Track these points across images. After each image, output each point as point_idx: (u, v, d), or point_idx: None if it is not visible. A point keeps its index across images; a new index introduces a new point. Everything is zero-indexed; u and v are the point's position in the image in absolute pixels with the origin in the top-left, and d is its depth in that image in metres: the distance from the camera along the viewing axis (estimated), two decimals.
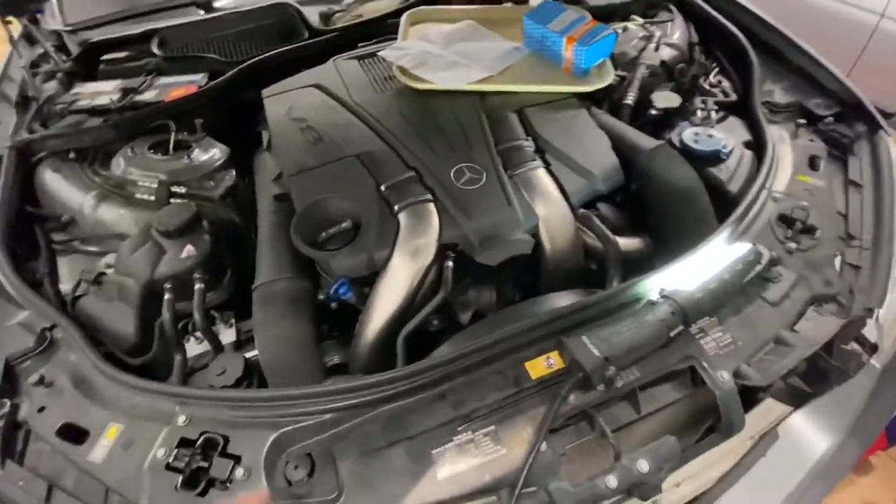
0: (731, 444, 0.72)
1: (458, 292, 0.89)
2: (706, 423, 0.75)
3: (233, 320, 0.89)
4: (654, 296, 0.75)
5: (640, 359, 0.68)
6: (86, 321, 0.83)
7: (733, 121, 1.10)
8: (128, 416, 0.68)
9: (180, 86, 1.20)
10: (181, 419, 0.66)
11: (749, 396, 0.75)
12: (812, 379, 0.80)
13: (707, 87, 1.17)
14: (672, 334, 0.69)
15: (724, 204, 0.93)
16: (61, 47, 1.33)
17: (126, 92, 1.17)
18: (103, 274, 0.85)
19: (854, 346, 0.78)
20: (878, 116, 1.01)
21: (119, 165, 0.98)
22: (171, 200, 0.93)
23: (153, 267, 0.82)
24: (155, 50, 1.28)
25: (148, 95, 1.17)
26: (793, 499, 0.84)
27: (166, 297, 0.80)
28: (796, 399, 0.83)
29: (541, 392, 0.67)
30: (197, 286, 0.81)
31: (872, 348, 0.78)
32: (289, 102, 1.08)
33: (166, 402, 0.68)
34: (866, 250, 0.85)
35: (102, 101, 1.14)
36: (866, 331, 0.78)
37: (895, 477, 1.53)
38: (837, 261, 0.84)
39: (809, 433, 0.84)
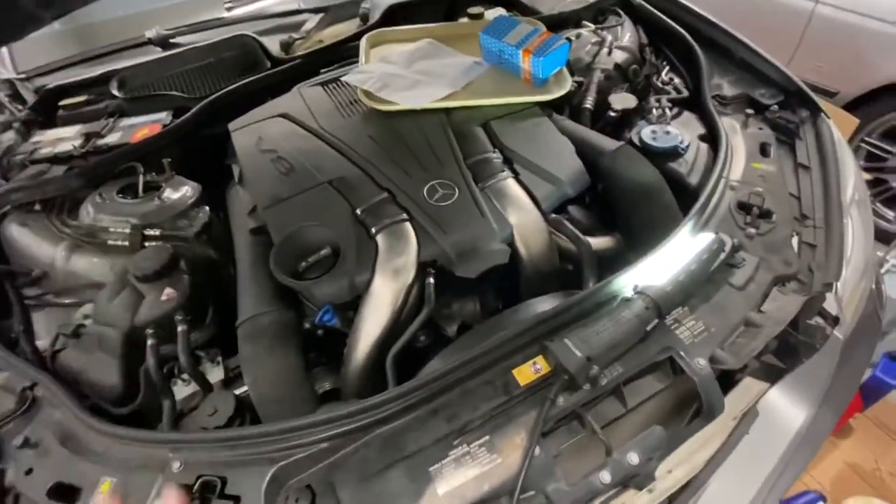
0: (715, 427, 0.75)
1: (441, 306, 0.91)
2: (691, 408, 0.79)
3: (219, 358, 0.89)
4: (629, 292, 0.78)
5: (621, 355, 0.71)
6: (67, 376, 0.81)
7: (688, 115, 1.15)
8: (120, 468, 0.67)
9: (145, 125, 1.19)
10: (175, 465, 0.65)
11: (727, 378, 0.79)
12: (784, 355, 0.85)
13: (660, 84, 1.23)
14: (648, 328, 0.72)
15: (685, 196, 0.98)
16: (15, 96, 1.31)
17: (88, 137, 1.15)
18: (82, 326, 0.84)
19: (818, 320, 0.83)
20: (818, 100, 1.08)
21: (88, 213, 0.97)
22: (146, 244, 0.92)
23: (133, 313, 0.81)
24: (115, 91, 1.26)
25: (112, 138, 1.16)
26: (779, 469, 0.88)
27: (149, 342, 0.79)
28: (772, 375, 0.87)
29: (530, 397, 0.69)
30: (180, 328, 0.80)
31: (834, 321, 0.83)
32: (256, 134, 1.08)
33: (158, 449, 0.67)
34: (819, 228, 0.90)
35: (65, 147, 1.13)
36: (827, 305, 0.83)
37: (873, 437, 1.61)
38: (795, 241, 0.90)
39: (787, 407, 0.88)
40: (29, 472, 0.68)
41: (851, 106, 2.21)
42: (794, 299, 0.80)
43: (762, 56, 1.17)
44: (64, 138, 1.18)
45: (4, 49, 1.35)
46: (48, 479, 0.66)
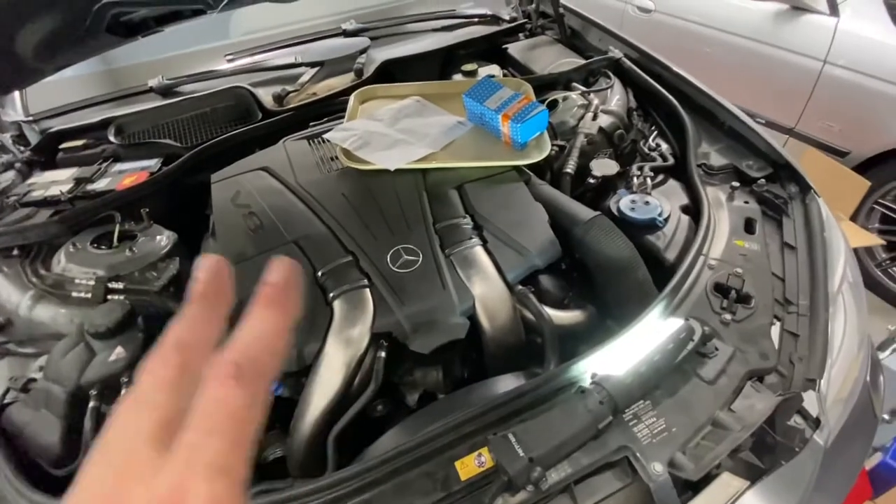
0: None
1: (403, 373, 0.88)
2: None
3: None
4: (588, 379, 0.74)
5: (569, 453, 0.66)
6: (12, 431, 0.80)
7: (672, 184, 1.12)
8: None
9: (133, 172, 1.22)
10: None
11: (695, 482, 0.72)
12: (762, 453, 0.78)
13: (646, 150, 1.21)
14: (601, 426, 0.67)
15: (661, 271, 0.94)
16: (21, 137, 1.37)
17: (78, 182, 1.19)
18: (32, 380, 0.83)
19: (797, 420, 0.76)
20: (807, 177, 1.04)
21: (59, 262, 0.98)
22: (108, 297, 0.92)
23: (81, 372, 0.80)
24: (111, 137, 1.31)
25: (100, 184, 1.19)
26: None
27: (91, 404, 0.78)
28: (750, 473, 0.80)
29: (468, 496, 0.65)
30: (123, 392, 0.79)
31: (815, 423, 0.76)
32: (236, 187, 1.10)
33: None
34: (804, 316, 0.85)
35: (54, 191, 1.16)
36: (808, 404, 0.77)
37: None
38: (776, 328, 0.84)
39: None
40: None
41: (864, 166, 2.14)
42: (768, 398, 0.74)
43: (750, 126, 1.14)
44: (57, 181, 1.21)
45: (16, 94, 1.42)
46: None
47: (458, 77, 1.48)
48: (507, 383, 0.81)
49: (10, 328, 0.93)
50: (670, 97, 1.25)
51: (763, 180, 1.06)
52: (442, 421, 0.70)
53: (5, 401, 0.83)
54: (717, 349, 0.79)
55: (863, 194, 2.06)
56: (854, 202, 2.08)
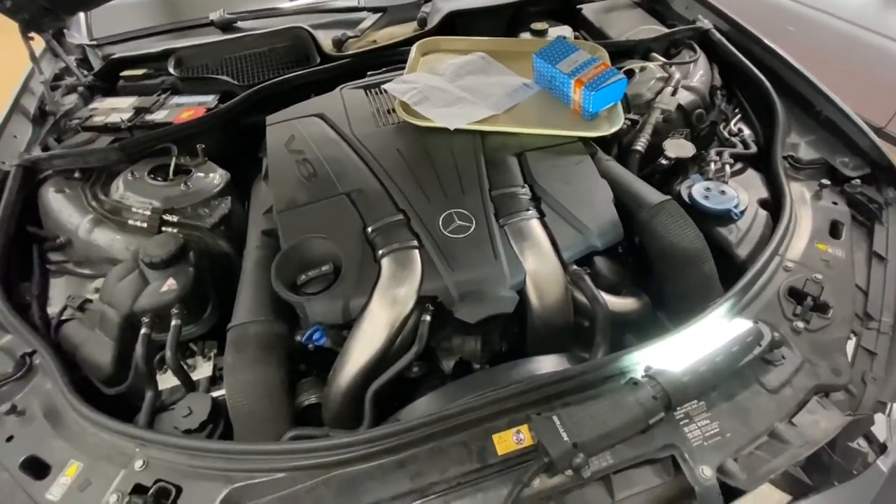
0: None
1: (441, 339, 0.87)
2: None
3: (214, 352, 0.89)
4: (640, 371, 0.70)
5: (614, 444, 0.64)
6: (67, 347, 0.84)
7: (751, 174, 1.03)
8: (89, 453, 0.68)
9: (190, 106, 1.22)
10: (138, 464, 0.66)
11: (734, 490, 0.69)
12: (813, 470, 0.74)
13: (727, 135, 1.11)
14: (652, 421, 0.64)
15: (731, 268, 0.87)
16: (84, 61, 1.38)
17: (138, 111, 1.19)
18: (89, 301, 0.87)
19: (860, 443, 0.71)
20: None
21: (118, 189, 1.00)
22: (163, 229, 0.94)
23: (134, 298, 0.82)
24: (171, 69, 1.30)
25: (159, 115, 1.19)
26: None
27: (143, 331, 0.80)
28: (795, 489, 0.76)
29: (504, 472, 0.63)
30: (173, 322, 0.80)
31: (881, 448, 0.71)
32: (290, 132, 1.08)
33: (127, 442, 0.68)
34: (884, 334, 0.78)
35: (115, 118, 1.17)
36: (875, 428, 0.71)
37: None
38: (851, 343, 0.77)
39: None
40: (9, 439, 0.70)
41: None
42: (834, 417, 0.68)
43: (851, 119, 1.02)
44: (118, 108, 1.22)
45: (82, 15, 1.43)
46: (24, 451, 0.68)
47: (525, 36, 1.39)
48: (551, 364, 0.78)
49: (69, 248, 0.96)
50: (762, 77, 1.13)
51: (858, 181, 0.95)
52: (484, 392, 0.68)
53: (63, 317, 0.87)
54: (784, 357, 0.73)
55: None
56: None
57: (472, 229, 0.86)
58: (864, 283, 0.84)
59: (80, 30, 1.42)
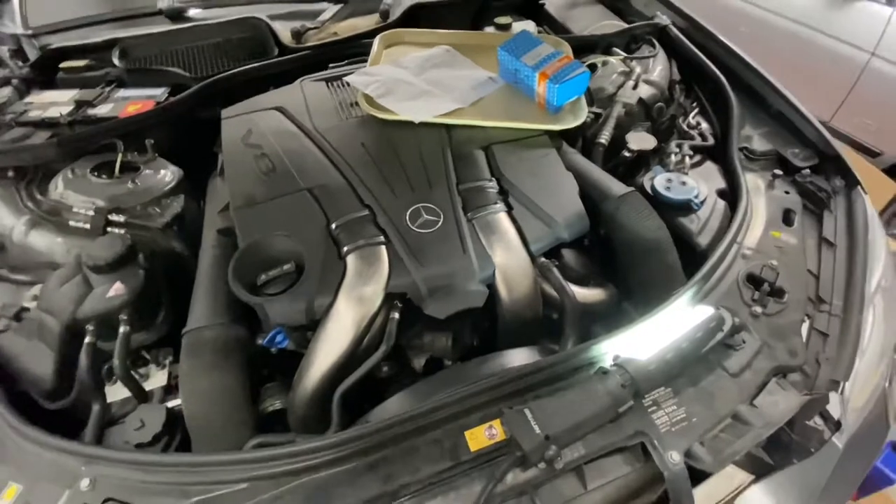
0: None
1: (411, 336, 0.85)
2: (656, 494, 0.71)
3: (170, 359, 0.84)
4: (609, 360, 0.70)
5: (586, 434, 0.64)
6: (2, 360, 0.77)
7: (710, 166, 1.06)
8: (30, 474, 0.63)
9: (138, 100, 1.15)
10: (84, 483, 0.60)
11: (700, 472, 0.71)
12: (774, 450, 0.76)
13: (685, 128, 1.14)
14: (621, 409, 0.65)
15: (692, 257, 0.89)
16: (18, 52, 1.27)
17: (79, 105, 1.11)
18: (26, 309, 0.80)
19: (817, 421, 0.74)
20: (856, 171, 0.98)
21: (57, 188, 0.92)
22: (109, 230, 0.87)
23: (77, 305, 0.76)
24: (115, 60, 1.22)
25: (102, 110, 1.11)
26: None
27: (87, 339, 0.74)
28: (757, 468, 0.79)
29: (478, 468, 0.62)
30: (121, 329, 0.75)
31: (836, 425, 0.74)
32: (247, 125, 1.03)
33: (71, 460, 0.63)
34: (835, 316, 0.81)
35: (53, 113, 1.09)
36: (830, 406, 0.74)
37: None
38: (805, 326, 0.81)
39: None
40: None
41: (893, 169, 2.07)
42: (792, 397, 0.71)
43: (800, 111, 1.07)
44: (57, 102, 1.14)
45: (15, 2, 1.32)
46: None
47: (489, 30, 1.38)
48: (522, 357, 0.78)
49: (2, 253, 0.89)
50: (718, 73, 1.17)
51: (808, 171, 1.00)
52: (454, 389, 0.67)
53: None
54: (744, 342, 0.75)
55: (889, 198, 2.00)
56: (879, 206, 2.02)
57: (439, 224, 0.85)
58: (816, 268, 0.88)
59: (13, 18, 1.31)
